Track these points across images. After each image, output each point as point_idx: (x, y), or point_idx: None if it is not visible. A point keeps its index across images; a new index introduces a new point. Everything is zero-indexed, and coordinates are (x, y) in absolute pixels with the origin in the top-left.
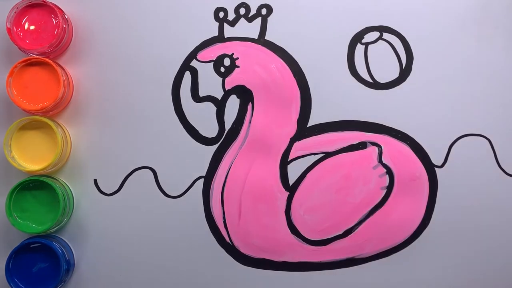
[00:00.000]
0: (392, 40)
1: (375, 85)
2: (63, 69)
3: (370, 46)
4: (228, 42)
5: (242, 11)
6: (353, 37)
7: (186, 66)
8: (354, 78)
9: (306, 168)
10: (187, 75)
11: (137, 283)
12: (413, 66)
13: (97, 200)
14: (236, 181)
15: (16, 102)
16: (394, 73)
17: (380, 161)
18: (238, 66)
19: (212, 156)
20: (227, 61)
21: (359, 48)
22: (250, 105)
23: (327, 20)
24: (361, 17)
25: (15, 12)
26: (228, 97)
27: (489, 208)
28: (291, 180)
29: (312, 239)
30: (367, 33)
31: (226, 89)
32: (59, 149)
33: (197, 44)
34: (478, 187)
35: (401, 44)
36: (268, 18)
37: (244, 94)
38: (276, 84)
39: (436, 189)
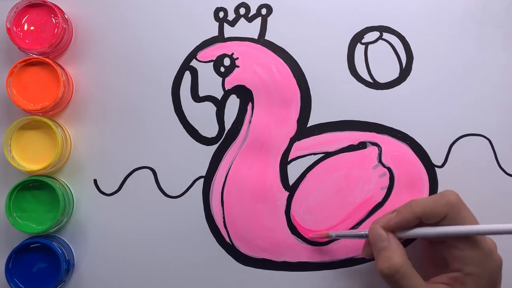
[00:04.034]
0: (392, 40)
1: (375, 85)
2: (63, 69)
3: (370, 46)
4: (228, 42)
5: (242, 11)
6: (353, 37)
7: (186, 66)
8: (354, 78)
9: (306, 168)
10: (187, 75)
11: (137, 283)
12: (413, 66)
13: (97, 200)
14: (236, 181)
15: (16, 102)
16: (394, 73)
17: (380, 161)
18: (238, 66)
19: (212, 156)
20: (227, 61)
21: (359, 48)
22: (250, 105)
23: (327, 20)
24: (361, 17)
25: (15, 12)
26: (228, 97)
27: (489, 208)
28: (291, 180)
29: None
30: (367, 33)
31: (226, 89)
32: (59, 149)
33: (197, 44)
34: (478, 187)
35: (401, 44)
36: (268, 18)
37: (244, 94)
38: (276, 84)
39: (436, 189)
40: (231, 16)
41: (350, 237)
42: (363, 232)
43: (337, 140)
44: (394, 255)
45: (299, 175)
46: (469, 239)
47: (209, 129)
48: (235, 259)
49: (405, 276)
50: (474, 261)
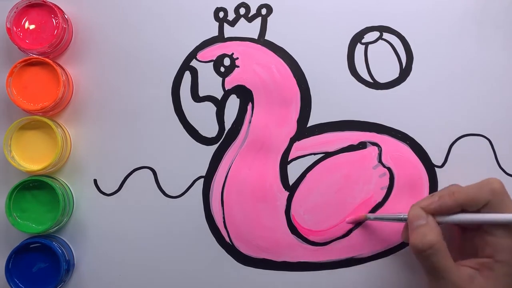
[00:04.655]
0: (392, 40)
1: (375, 85)
2: (63, 69)
3: (370, 46)
4: (228, 42)
5: (242, 11)
6: (353, 37)
7: (186, 66)
8: (354, 78)
9: (306, 168)
10: (187, 75)
11: (137, 283)
12: (413, 66)
13: (97, 200)
14: (236, 181)
15: (16, 102)
16: (394, 73)
17: (380, 161)
18: (238, 66)
19: (212, 156)
20: (227, 61)
21: (359, 48)
22: (250, 105)
23: (327, 20)
24: (361, 17)
25: (15, 12)
26: (228, 97)
27: None
28: (291, 180)
29: (312, 239)
30: (367, 33)
31: (226, 89)
32: (59, 149)
33: (197, 44)
34: None
35: (401, 44)
36: (268, 18)
37: (244, 94)
38: (276, 84)
39: (436, 189)
40: (231, 16)
41: (388, 220)
42: (402, 216)
43: (337, 140)
44: (430, 232)
45: (299, 175)
46: (508, 227)
47: (209, 129)
48: (235, 259)
49: (437, 252)
50: (508, 249)
